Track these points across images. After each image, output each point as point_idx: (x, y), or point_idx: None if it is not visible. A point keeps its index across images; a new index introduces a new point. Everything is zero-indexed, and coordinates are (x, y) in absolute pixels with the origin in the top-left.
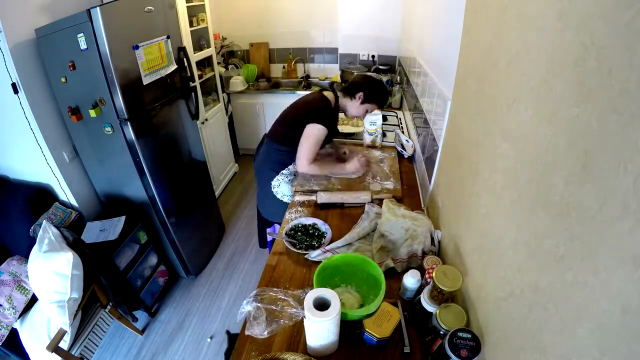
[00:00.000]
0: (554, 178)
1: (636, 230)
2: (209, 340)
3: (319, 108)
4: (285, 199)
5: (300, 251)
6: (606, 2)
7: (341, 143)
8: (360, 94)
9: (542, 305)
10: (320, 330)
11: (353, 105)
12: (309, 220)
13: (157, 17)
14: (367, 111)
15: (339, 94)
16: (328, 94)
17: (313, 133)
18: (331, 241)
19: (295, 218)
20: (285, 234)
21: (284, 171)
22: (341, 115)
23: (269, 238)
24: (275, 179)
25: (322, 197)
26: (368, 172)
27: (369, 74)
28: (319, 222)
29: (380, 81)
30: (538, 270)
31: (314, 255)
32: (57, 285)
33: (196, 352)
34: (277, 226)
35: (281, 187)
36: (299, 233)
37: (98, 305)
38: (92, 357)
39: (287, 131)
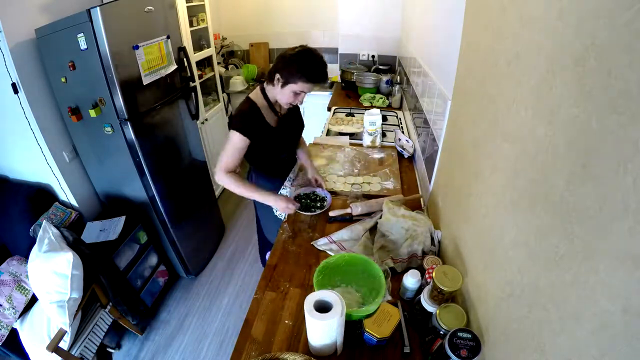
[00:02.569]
0: (554, 178)
1: (636, 230)
2: None
3: (238, 113)
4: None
5: (306, 213)
6: (606, 2)
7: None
8: (277, 75)
9: (542, 305)
10: (325, 330)
11: (277, 92)
12: (308, 190)
13: (157, 17)
14: (296, 93)
15: (265, 86)
16: (254, 93)
17: (230, 140)
18: (331, 207)
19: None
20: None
21: (281, 191)
22: (341, 115)
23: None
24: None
25: (357, 209)
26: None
27: (290, 47)
28: (318, 190)
29: (300, 52)
30: (538, 270)
31: (320, 243)
32: (57, 285)
33: (196, 352)
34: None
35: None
36: (302, 200)
37: (98, 305)
38: (92, 357)
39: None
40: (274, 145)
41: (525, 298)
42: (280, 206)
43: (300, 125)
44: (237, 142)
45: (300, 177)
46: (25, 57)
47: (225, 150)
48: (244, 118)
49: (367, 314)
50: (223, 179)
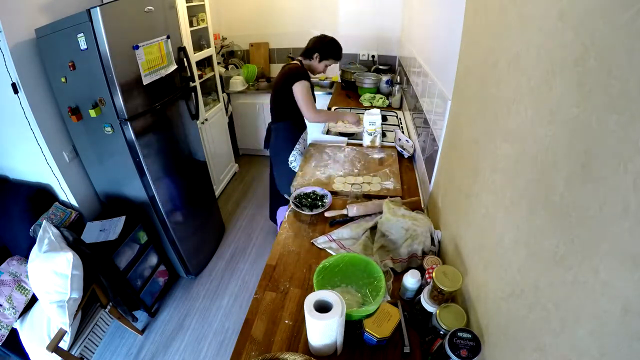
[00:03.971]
0: (554, 178)
1: (636, 230)
2: None
3: (292, 72)
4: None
5: (307, 212)
6: (606, 2)
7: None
8: (316, 54)
9: (542, 305)
10: (324, 330)
11: (314, 65)
12: (308, 189)
13: (157, 17)
14: (326, 66)
15: (300, 59)
16: (293, 63)
17: (301, 89)
18: (331, 207)
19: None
20: (293, 203)
21: (297, 145)
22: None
23: (279, 220)
24: (291, 154)
25: (353, 211)
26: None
27: (321, 35)
28: (318, 189)
29: (331, 39)
30: (538, 270)
31: (320, 241)
32: (57, 285)
33: (196, 352)
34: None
35: (297, 161)
36: (303, 200)
37: (98, 305)
38: (92, 357)
39: (279, 107)
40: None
41: (525, 298)
42: (351, 118)
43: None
44: (307, 85)
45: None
46: (25, 57)
47: (302, 100)
48: (301, 72)
49: (367, 314)
50: (318, 117)
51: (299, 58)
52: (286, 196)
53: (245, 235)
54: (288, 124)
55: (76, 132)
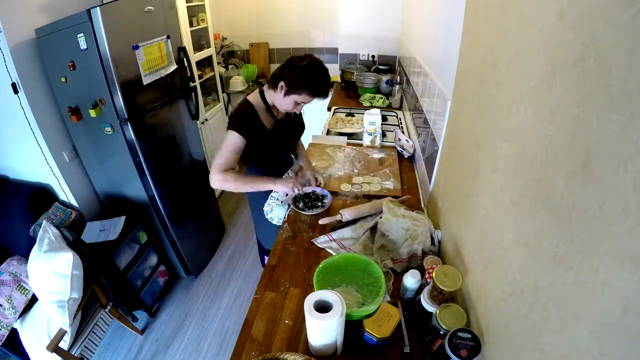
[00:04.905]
0: (554, 178)
1: (636, 230)
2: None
3: (235, 114)
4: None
5: (307, 212)
6: (606, 2)
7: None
8: (281, 83)
9: (542, 305)
10: (324, 330)
11: (278, 98)
12: (309, 189)
13: (157, 17)
14: (297, 103)
15: (265, 88)
16: (252, 95)
17: (226, 140)
18: (330, 206)
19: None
20: (292, 202)
21: (272, 194)
22: (341, 115)
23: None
24: (266, 204)
25: (346, 215)
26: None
27: (297, 56)
28: (318, 189)
29: (309, 65)
30: (538, 270)
31: (320, 241)
32: (57, 285)
33: (196, 352)
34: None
35: (274, 212)
36: (304, 200)
37: (98, 305)
38: (92, 357)
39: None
40: (269, 147)
41: (525, 298)
42: (283, 188)
43: (300, 128)
44: (234, 141)
45: (299, 177)
46: (25, 57)
47: (220, 151)
48: (241, 118)
49: (367, 314)
50: (218, 179)
51: (263, 88)
52: (267, 248)
53: (245, 235)
54: (257, 171)
55: (76, 132)
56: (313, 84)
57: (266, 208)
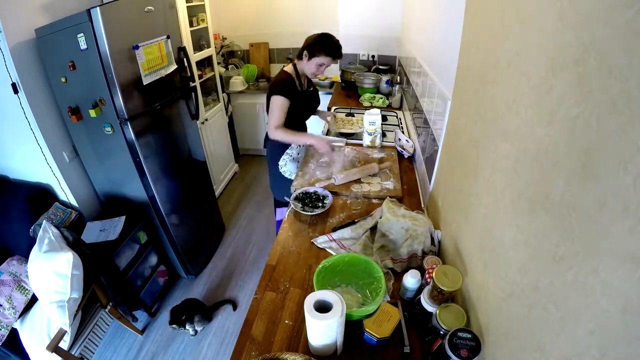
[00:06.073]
0: (554, 178)
1: (636, 230)
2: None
3: (277, 82)
4: (293, 177)
5: (308, 212)
6: (606, 2)
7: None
8: (305, 52)
9: (542, 305)
10: (324, 330)
11: (305, 64)
12: (310, 189)
13: (157, 17)
14: (319, 65)
15: (295, 61)
16: (288, 67)
17: (275, 103)
18: (331, 207)
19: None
20: (293, 203)
21: (288, 150)
22: (341, 115)
23: (278, 217)
24: (281, 158)
25: (338, 179)
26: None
27: (313, 34)
28: (319, 190)
29: (321, 35)
30: (538, 270)
31: (320, 240)
32: (57, 285)
33: (196, 352)
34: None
35: (287, 166)
36: (304, 200)
37: (98, 305)
38: (92, 357)
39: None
40: (301, 108)
41: (525, 298)
42: (317, 142)
43: (318, 99)
44: (282, 102)
45: (303, 150)
46: (25, 57)
47: (272, 113)
48: (283, 84)
49: (367, 314)
50: (276, 134)
51: (295, 61)
52: (277, 199)
53: (245, 235)
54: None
55: (76, 132)
56: (327, 46)
57: (281, 162)
